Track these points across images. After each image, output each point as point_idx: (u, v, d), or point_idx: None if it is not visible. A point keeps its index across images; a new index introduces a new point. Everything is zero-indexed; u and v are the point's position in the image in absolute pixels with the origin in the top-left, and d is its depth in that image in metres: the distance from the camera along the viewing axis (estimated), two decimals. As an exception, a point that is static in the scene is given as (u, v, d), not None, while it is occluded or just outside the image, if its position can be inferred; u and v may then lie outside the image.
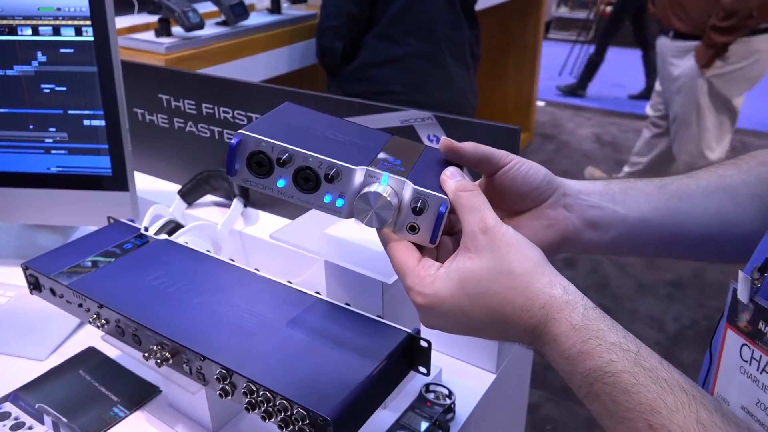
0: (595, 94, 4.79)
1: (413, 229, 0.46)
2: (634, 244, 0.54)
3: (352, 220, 0.65)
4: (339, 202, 0.47)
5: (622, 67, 5.52)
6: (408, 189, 0.45)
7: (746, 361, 0.42)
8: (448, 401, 0.66)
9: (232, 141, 0.46)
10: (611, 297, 2.40)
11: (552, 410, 1.87)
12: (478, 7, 2.23)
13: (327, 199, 0.47)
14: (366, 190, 0.45)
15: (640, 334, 2.16)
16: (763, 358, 0.40)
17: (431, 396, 0.67)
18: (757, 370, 0.40)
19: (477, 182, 0.52)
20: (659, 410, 0.36)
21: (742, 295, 0.42)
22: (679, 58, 2.32)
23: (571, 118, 4.43)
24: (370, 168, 0.46)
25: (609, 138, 4.02)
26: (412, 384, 0.68)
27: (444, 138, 0.49)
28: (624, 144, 3.90)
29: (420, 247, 0.47)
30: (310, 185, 0.46)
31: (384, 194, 0.45)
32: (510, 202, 0.51)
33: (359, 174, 0.46)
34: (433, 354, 0.75)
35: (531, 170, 0.50)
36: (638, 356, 0.39)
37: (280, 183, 0.47)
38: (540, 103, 4.51)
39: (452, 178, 0.46)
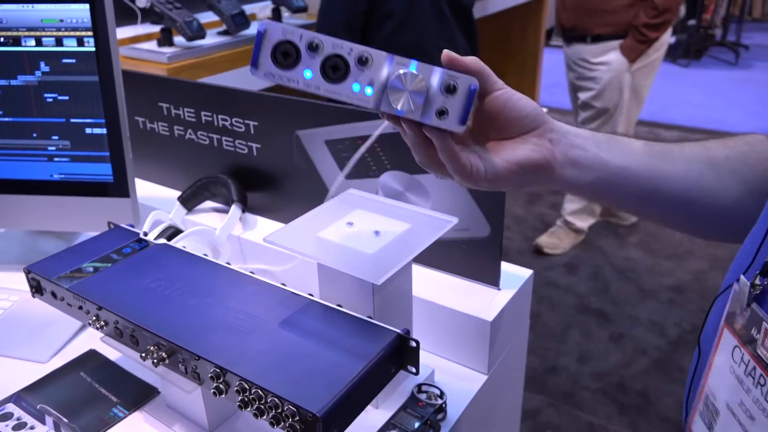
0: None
1: (442, 113, 0.46)
2: (613, 191, 0.55)
3: (344, 223, 0.67)
4: (368, 90, 0.46)
5: (625, 73, 5.53)
6: (436, 73, 0.46)
7: (736, 363, 0.43)
8: (440, 401, 0.68)
9: (259, 29, 0.46)
10: (612, 302, 2.41)
11: (552, 415, 1.88)
12: (479, 14, 2.25)
13: (356, 87, 0.46)
14: (400, 71, 0.45)
15: (642, 339, 2.17)
16: (750, 362, 0.40)
17: (423, 396, 0.68)
18: (744, 373, 0.41)
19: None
20: None
21: (741, 301, 0.42)
22: (601, 56, 2.46)
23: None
24: (397, 56, 0.46)
25: (611, 144, 4.03)
26: (405, 384, 0.70)
27: (446, 51, 0.49)
28: (626, 150, 3.91)
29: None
30: (338, 74, 0.46)
31: (418, 74, 0.45)
32: (498, 125, 0.52)
33: (388, 62, 0.46)
34: (426, 355, 0.76)
35: (522, 100, 0.52)
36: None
37: (307, 73, 0.46)
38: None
39: None
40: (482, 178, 0.51)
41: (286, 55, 0.46)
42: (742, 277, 0.43)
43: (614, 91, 2.48)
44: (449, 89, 0.46)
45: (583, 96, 2.58)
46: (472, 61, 0.49)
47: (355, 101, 0.47)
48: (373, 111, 0.48)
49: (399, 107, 0.46)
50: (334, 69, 0.46)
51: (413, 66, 0.46)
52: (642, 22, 2.30)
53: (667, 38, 2.44)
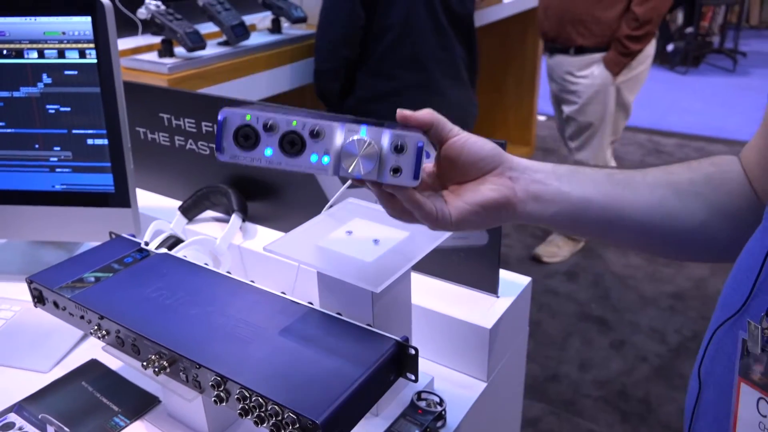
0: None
1: (396, 171, 0.49)
2: (576, 222, 0.56)
3: (343, 231, 0.67)
4: (325, 159, 0.49)
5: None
6: (386, 135, 0.48)
7: (765, 416, 0.40)
8: (439, 408, 0.68)
9: (219, 118, 0.49)
10: (612, 309, 2.41)
11: (553, 423, 1.88)
12: (477, 23, 2.27)
13: (314, 158, 0.49)
14: (350, 138, 0.48)
15: (642, 346, 2.17)
16: None
17: (423, 404, 0.69)
18: None
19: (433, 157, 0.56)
20: None
21: (753, 346, 0.41)
22: (585, 70, 2.42)
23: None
24: (348, 124, 0.49)
25: (610, 151, 4.04)
26: (405, 392, 0.70)
27: (400, 110, 0.52)
28: (624, 157, 3.92)
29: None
30: (296, 148, 0.49)
31: (368, 139, 0.48)
32: (458, 169, 0.54)
33: (340, 130, 0.49)
34: (425, 363, 0.77)
35: (478, 143, 0.54)
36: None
37: (268, 151, 0.49)
38: (541, 118, 4.54)
39: None
40: (448, 222, 0.53)
41: (247, 137, 0.49)
42: (750, 322, 0.42)
43: (599, 105, 2.45)
44: (398, 149, 0.48)
45: (567, 109, 2.56)
46: (425, 114, 0.52)
47: (315, 171, 0.50)
48: (331, 176, 0.51)
49: (355, 171, 0.49)
50: (292, 144, 0.49)
51: (363, 131, 0.49)
52: (624, 34, 2.27)
53: (652, 51, 2.42)
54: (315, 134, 0.48)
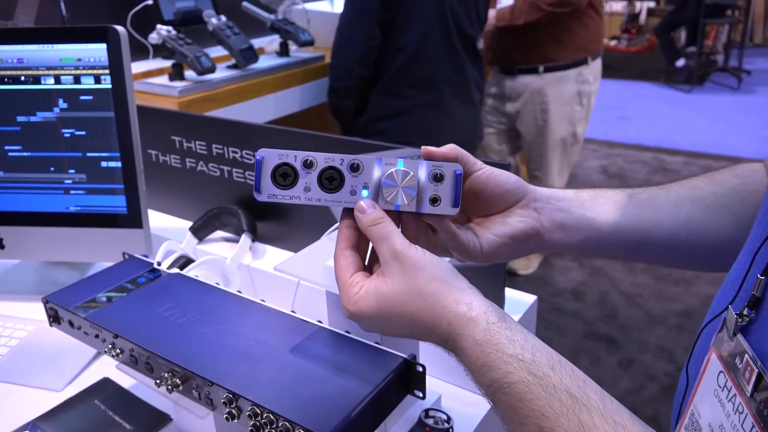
0: (600, 126, 4.84)
1: (435, 201, 0.50)
2: (602, 247, 0.57)
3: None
4: (364, 193, 0.50)
5: (627, 99, 5.59)
6: (422, 166, 0.49)
7: (720, 387, 0.44)
8: (447, 426, 0.69)
9: (257, 158, 0.49)
10: (619, 328, 2.40)
11: None
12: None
13: (352, 192, 0.50)
14: (390, 170, 0.49)
15: (651, 364, 2.16)
16: (732, 390, 0.42)
17: (430, 421, 0.69)
18: (726, 398, 0.43)
19: None
20: (548, 415, 0.41)
21: (729, 330, 0.44)
22: (554, 86, 2.41)
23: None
24: (384, 158, 0.50)
25: (615, 170, 4.06)
26: (412, 409, 0.71)
27: (424, 147, 0.53)
28: (631, 175, 3.93)
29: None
30: (335, 184, 0.50)
31: (407, 170, 0.49)
32: (484, 203, 0.55)
33: (377, 164, 0.49)
34: (433, 380, 0.78)
35: (502, 176, 0.55)
36: (532, 365, 0.43)
37: (306, 189, 0.50)
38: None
39: (363, 213, 0.49)
40: (479, 254, 0.54)
41: (285, 176, 0.50)
42: (730, 308, 0.44)
43: (564, 119, 2.45)
44: (437, 178, 0.50)
45: (530, 131, 2.53)
46: (449, 148, 0.53)
47: (354, 205, 0.50)
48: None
49: (395, 202, 0.50)
50: (331, 180, 0.50)
51: (400, 164, 0.50)
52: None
53: (600, 66, 2.46)
54: (354, 168, 0.49)
